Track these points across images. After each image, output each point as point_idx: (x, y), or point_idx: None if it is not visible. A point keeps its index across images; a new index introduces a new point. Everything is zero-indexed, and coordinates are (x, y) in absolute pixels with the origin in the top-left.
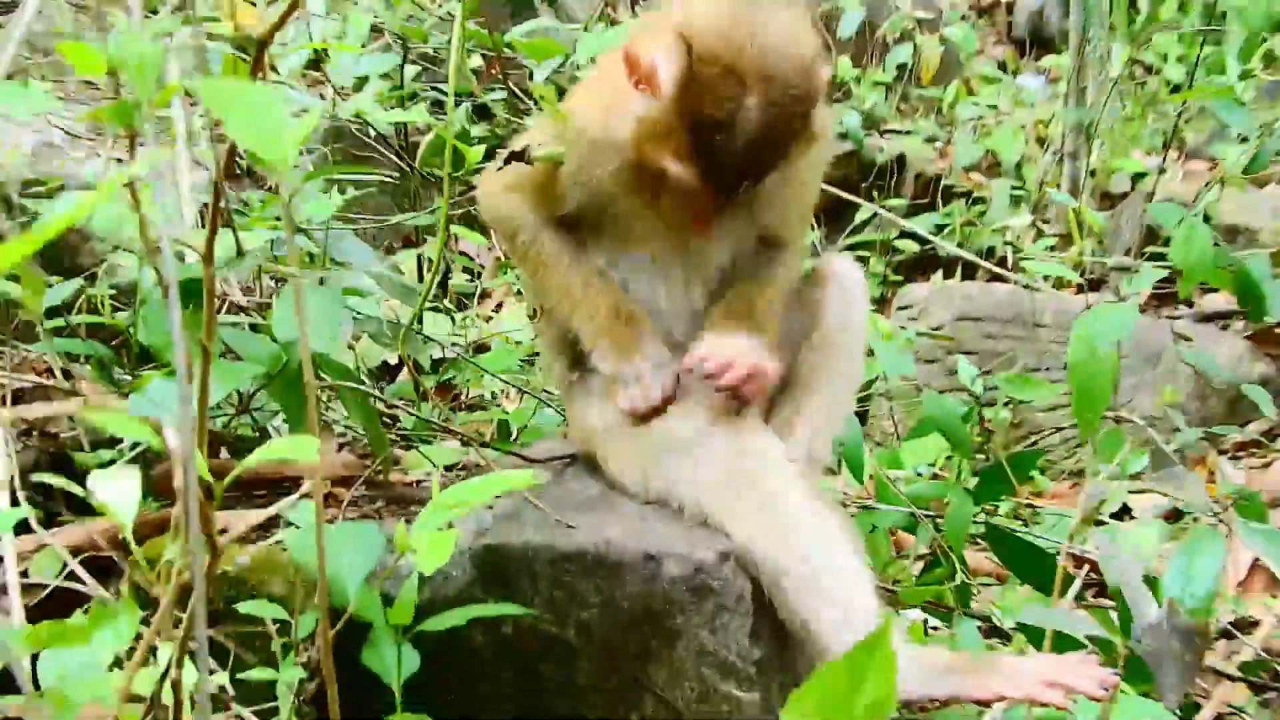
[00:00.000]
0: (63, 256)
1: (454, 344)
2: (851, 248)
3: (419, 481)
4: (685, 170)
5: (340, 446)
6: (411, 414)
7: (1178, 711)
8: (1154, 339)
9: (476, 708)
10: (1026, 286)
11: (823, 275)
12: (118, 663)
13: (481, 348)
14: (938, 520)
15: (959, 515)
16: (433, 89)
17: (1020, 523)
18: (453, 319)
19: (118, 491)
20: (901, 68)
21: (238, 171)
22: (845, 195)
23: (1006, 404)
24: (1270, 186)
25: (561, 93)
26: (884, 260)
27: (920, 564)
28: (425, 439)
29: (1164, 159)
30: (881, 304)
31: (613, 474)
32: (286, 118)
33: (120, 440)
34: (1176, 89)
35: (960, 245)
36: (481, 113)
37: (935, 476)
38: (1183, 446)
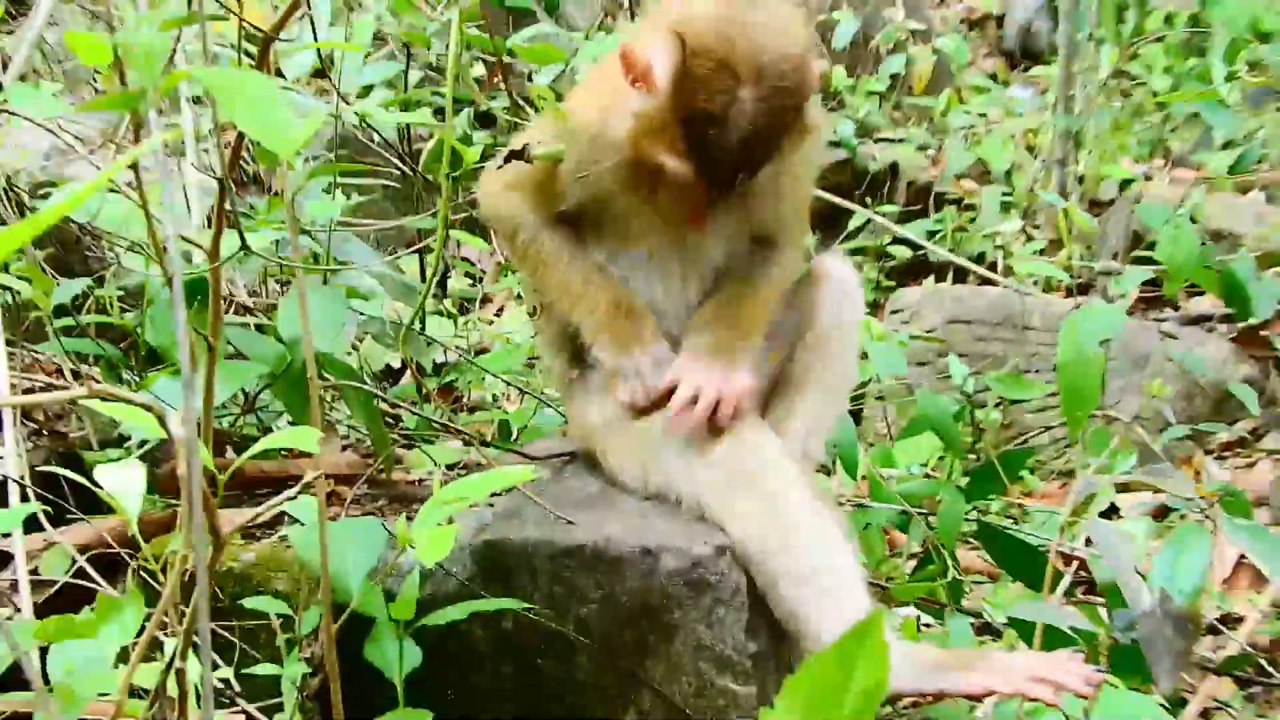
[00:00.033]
0: (73, 262)
1: (456, 346)
2: (846, 253)
3: (421, 480)
4: (681, 164)
5: (344, 448)
6: (414, 413)
7: (1166, 703)
8: (1141, 342)
9: (477, 702)
10: (1016, 290)
11: (817, 276)
12: (125, 657)
13: (483, 351)
14: (930, 518)
15: (951, 513)
16: (436, 95)
17: (1011, 521)
18: (455, 322)
19: (123, 482)
20: (895, 77)
21: (244, 179)
22: (839, 201)
23: (997, 405)
24: (1253, 193)
25: (560, 97)
26: (877, 266)
27: (913, 561)
28: (427, 439)
29: (1149, 165)
30: (875, 309)
31: (612, 470)
32: (290, 110)
33: (128, 439)
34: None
35: (951, 250)
36: (484, 120)
37: (928, 476)
38: (1170, 444)
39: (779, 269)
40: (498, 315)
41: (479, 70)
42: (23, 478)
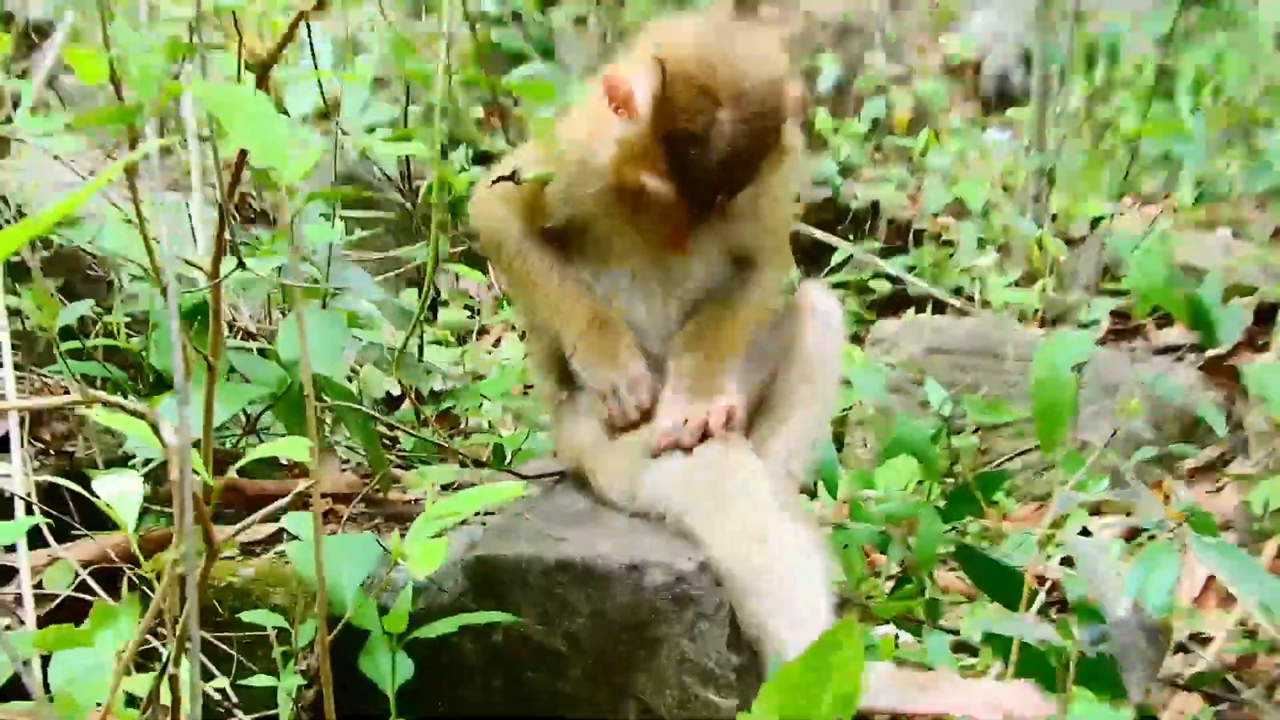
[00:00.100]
0: (85, 292)
1: (453, 371)
2: (830, 286)
3: (417, 500)
4: (663, 186)
5: (343, 469)
6: (411, 434)
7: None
8: (1113, 370)
9: (467, 713)
10: (993, 314)
11: (802, 306)
12: (127, 669)
13: (480, 378)
14: (910, 539)
15: (929, 533)
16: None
17: (988, 543)
18: (451, 347)
19: (120, 491)
20: (876, 120)
21: (252, 214)
22: (824, 236)
23: (974, 431)
24: (1220, 229)
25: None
26: (859, 299)
27: (891, 581)
28: (424, 460)
29: (1119, 204)
30: (857, 340)
31: (601, 488)
32: (293, 138)
33: (133, 457)
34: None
35: (930, 284)
36: (482, 160)
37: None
38: (1141, 467)
39: (759, 290)
40: (495, 346)
41: (478, 111)
42: (29, 494)
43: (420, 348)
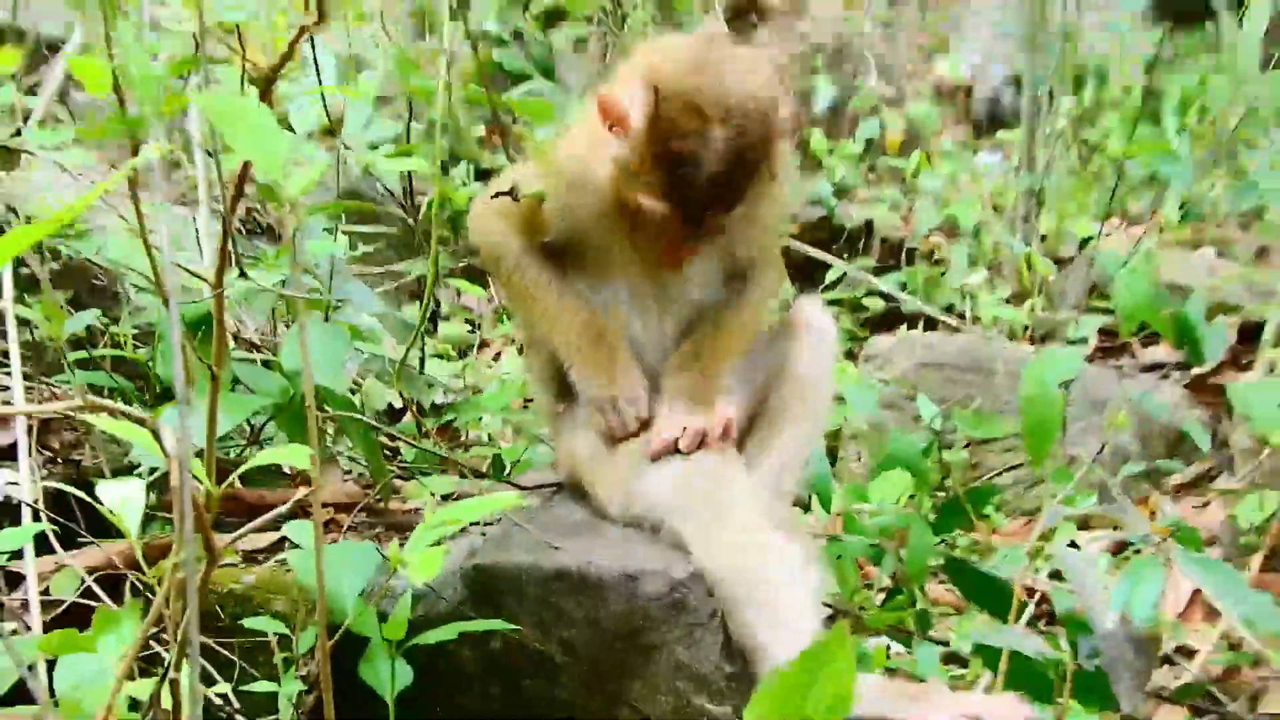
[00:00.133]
0: (94, 304)
1: (454, 383)
2: (824, 303)
3: (417, 509)
4: (657, 203)
5: (344, 479)
6: (413, 445)
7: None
8: (1100, 387)
9: None
10: (985, 332)
11: (796, 323)
12: (130, 675)
13: (480, 392)
14: (902, 551)
15: (919, 545)
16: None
17: (978, 556)
18: (452, 359)
19: (123, 497)
20: (869, 141)
21: (258, 229)
22: (818, 255)
23: (965, 446)
24: (1205, 249)
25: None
26: (852, 316)
27: (883, 593)
28: (424, 471)
29: (1104, 222)
30: (850, 358)
31: (599, 499)
32: (291, 144)
33: (139, 466)
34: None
35: (922, 301)
36: (483, 177)
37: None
38: (1127, 484)
39: (753, 304)
40: (495, 360)
41: (480, 130)
42: (36, 501)
43: (421, 361)
